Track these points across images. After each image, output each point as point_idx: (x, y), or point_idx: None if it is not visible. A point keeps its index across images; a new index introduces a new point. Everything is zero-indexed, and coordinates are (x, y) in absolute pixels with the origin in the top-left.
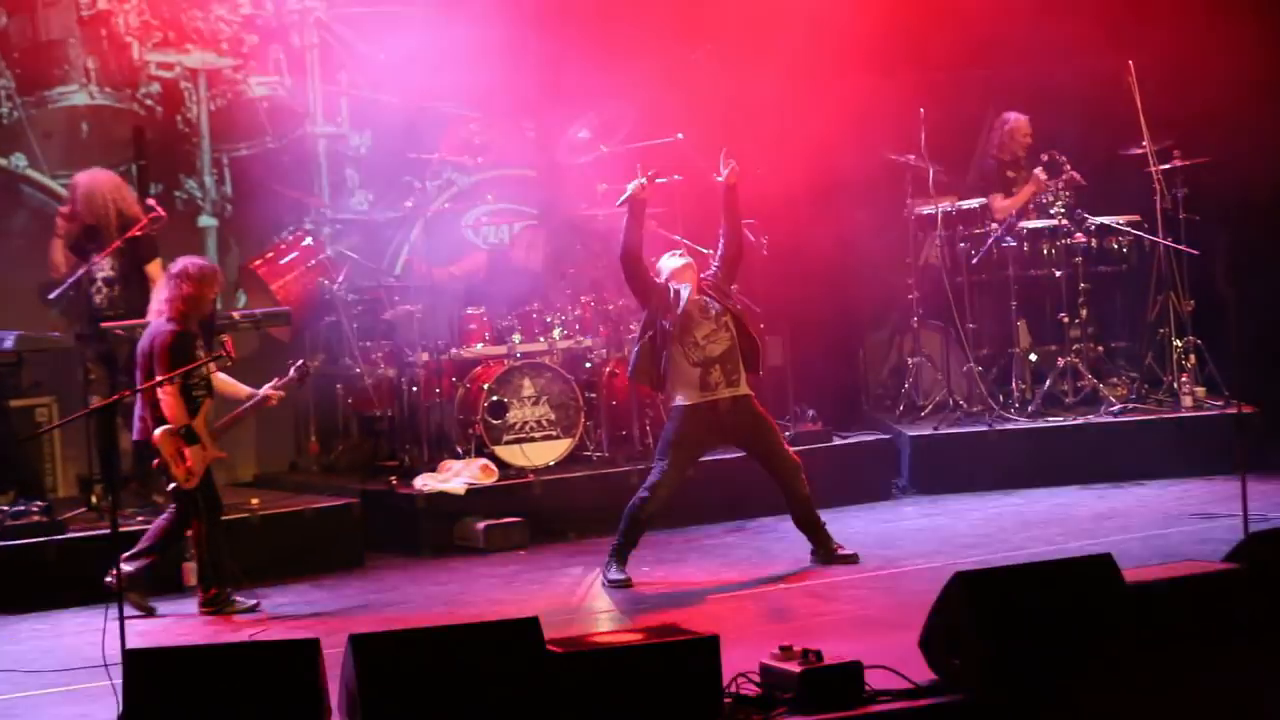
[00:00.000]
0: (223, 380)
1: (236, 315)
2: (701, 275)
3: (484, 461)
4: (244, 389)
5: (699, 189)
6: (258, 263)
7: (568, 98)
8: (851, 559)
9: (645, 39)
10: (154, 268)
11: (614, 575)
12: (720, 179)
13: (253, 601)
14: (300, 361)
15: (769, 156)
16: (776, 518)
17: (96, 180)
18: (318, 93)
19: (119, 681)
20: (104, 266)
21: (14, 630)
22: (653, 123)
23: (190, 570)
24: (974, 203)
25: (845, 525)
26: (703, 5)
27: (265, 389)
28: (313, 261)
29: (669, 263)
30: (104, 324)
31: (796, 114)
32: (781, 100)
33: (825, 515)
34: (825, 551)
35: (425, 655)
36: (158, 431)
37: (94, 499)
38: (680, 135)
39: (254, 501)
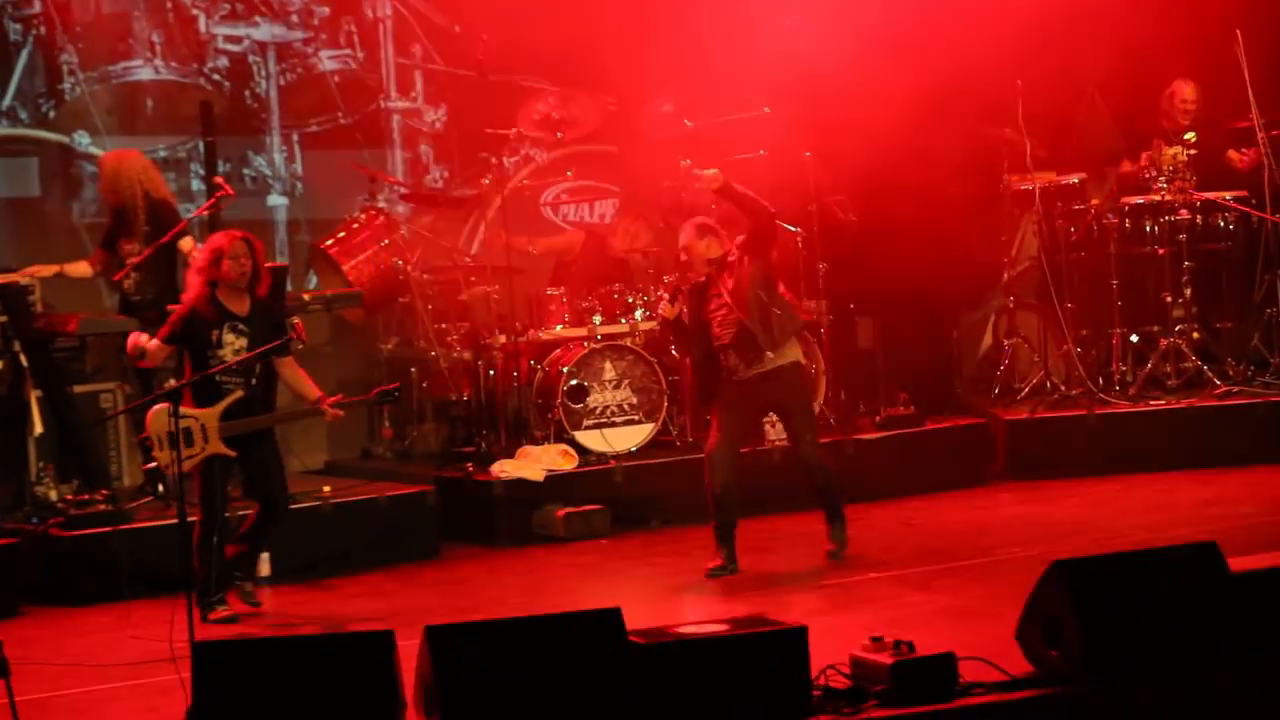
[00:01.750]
0: (294, 374)
1: (307, 297)
2: (727, 254)
3: (564, 447)
4: (313, 391)
5: (782, 164)
6: (329, 243)
7: (650, 70)
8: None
9: (728, 9)
10: (186, 243)
11: (711, 563)
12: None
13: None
14: (390, 388)
15: (858, 130)
16: (866, 504)
17: (124, 161)
18: (391, 66)
19: (188, 675)
20: (131, 251)
21: (79, 622)
22: (738, 96)
23: (261, 561)
24: (1074, 178)
25: (938, 513)
26: None
27: (327, 402)
28: (386, 241)
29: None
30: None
31: (888, 87)
32: (872, 72)
33: (916, 502)
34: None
35: (503, 648)
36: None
37: (160, 487)
38: (767, 109)
39: (325, 489)
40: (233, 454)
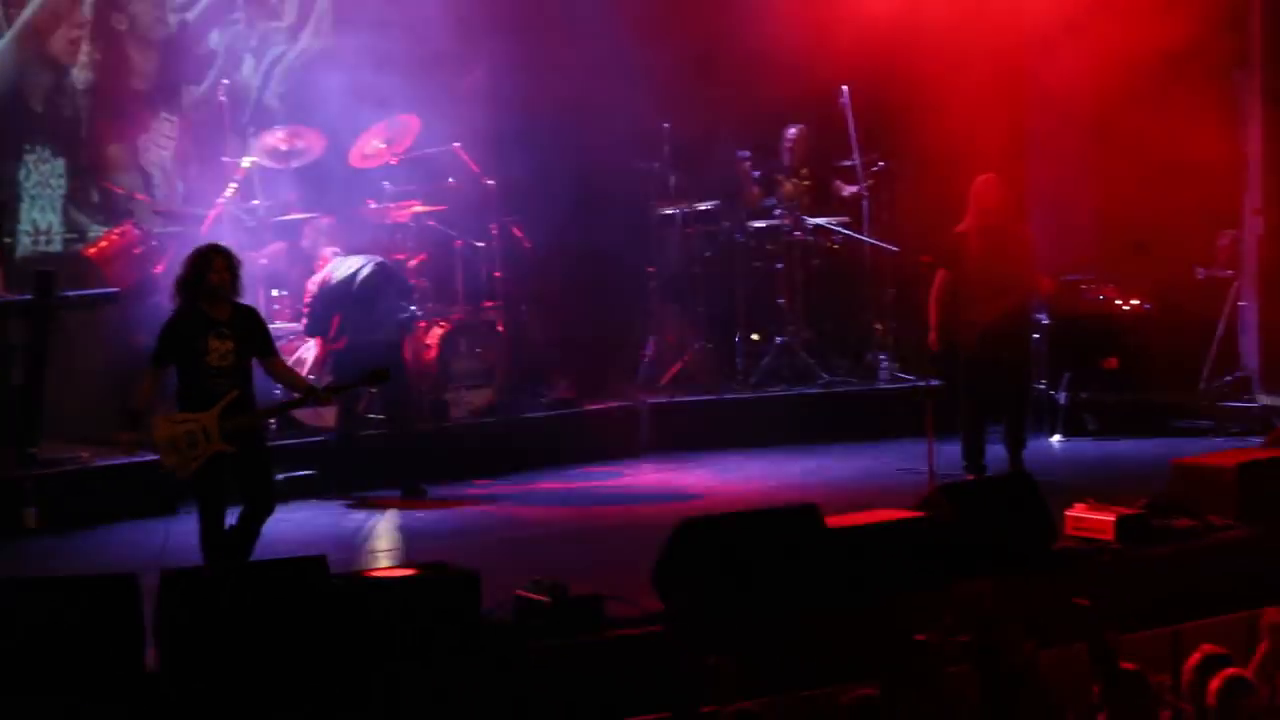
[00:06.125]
0: (282, 368)
1: (72, 295)
2: None
3: None
4: (303, 382)
5: (468, 191)
6: (91, 250)
7: (364, 106)
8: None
9: (427, 59)
10: None
11: None
12: None
13: None
14: (380, 371)
15: (534, 163)
16: (532, 472)
17: None
18: None
19: None
20: None
21: None
22: (432, 133)
23: (30, 515)
24: (708, 205)
25: (592, 478)
26: (479, 30)
27: (322, 391)
28: (139, 250)
29: None
30: None
31: (560, 129)
32: (547, 115)
33: (574, 470)
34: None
35: (226, 591)
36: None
37: None
38: (457, 144)
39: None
40: (233, 449)
